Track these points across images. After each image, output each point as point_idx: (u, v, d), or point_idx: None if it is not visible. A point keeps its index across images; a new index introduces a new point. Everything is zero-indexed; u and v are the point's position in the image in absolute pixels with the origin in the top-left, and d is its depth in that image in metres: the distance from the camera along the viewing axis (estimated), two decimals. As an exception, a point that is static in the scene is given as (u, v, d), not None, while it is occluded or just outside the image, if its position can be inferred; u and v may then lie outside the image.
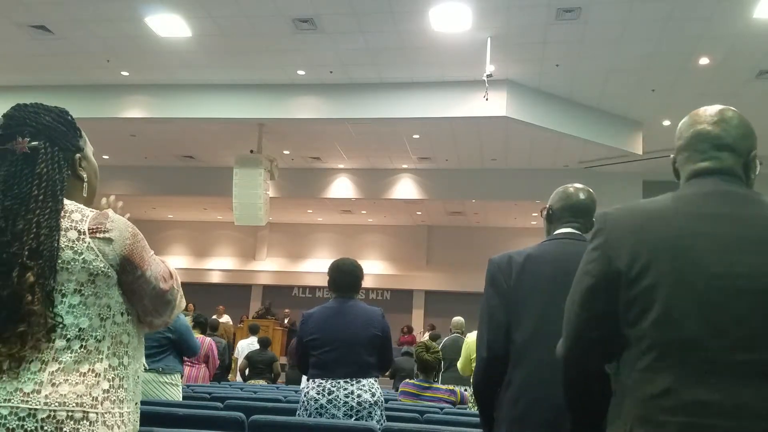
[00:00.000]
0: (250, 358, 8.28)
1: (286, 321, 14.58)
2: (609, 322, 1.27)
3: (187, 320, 4.94)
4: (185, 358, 4.66)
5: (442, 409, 4.06)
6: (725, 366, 1.15)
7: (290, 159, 12.55)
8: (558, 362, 1.83)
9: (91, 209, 1.48)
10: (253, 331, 9.70)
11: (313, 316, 3.22)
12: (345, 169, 13.27)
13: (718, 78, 8.28)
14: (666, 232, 1.25)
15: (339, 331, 3.12)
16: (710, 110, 1.41)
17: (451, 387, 4.73)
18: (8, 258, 1.35)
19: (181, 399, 4.14)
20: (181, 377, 4.44)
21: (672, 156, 1.47)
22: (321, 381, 3.06)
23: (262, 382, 7.84)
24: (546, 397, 1.78)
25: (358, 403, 3.02)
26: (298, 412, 3.12)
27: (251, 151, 10.40)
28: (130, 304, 1.47)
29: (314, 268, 17.47)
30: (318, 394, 3.03)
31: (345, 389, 3.03)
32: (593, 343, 1.33)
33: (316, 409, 3.01)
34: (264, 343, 8.52)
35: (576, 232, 2.03)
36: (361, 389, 3.05)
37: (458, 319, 6.94)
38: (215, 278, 18.20)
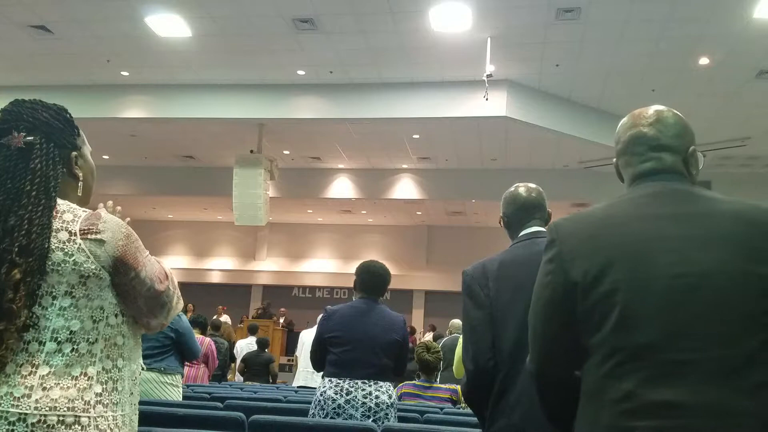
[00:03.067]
0: (246, 360, 8.26)
1: (282, 320, 14.54)
2: (571, 332, 1.27)
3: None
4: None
5: (442, 409, 4.06)
6: (687, 365, 1.13)
7: (290, 159, 12.55)
8: None
9: (84, 209, 1.45)
10: (252, 331, 9.70)
11: (337, 313, 3.19)
12: (345, 169, 13.27)
13: (718, 78, 8.28)
14: (619, 237, 1.25)
15: (361, 332, 3.09)
16: (646, 112, 1.42)
17: (453, 387, 4.73)
18: None
19: (181, 399, 4.14)
20: (182, 378, 4.43)
21: (614, 159, 1.48)
22: (338, 381, 3.04)
23: (262, 383, 7.83)
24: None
25: (376, 405, 3.00)
26: (311, 411, 3.09)
27: (251, 151, 10.40)
28: (125, 305, 1.45)
29: (314, 268, 17.48)
30: (336, 393, 3.00)
31: (363, 390, 3.01)
32: (560, 355, 1.32)
33: (334, 409, 2.98)
34: (262, 344, 8.51)
35: (540, 229, 2.03)
36: (378, 390, 3.04)
37: (456, 321, 6.97)
38: (215, 278, 18.20)
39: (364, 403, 2.98)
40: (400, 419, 3.22)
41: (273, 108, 9.58)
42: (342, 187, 13.36)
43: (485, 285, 1.91)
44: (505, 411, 1.83)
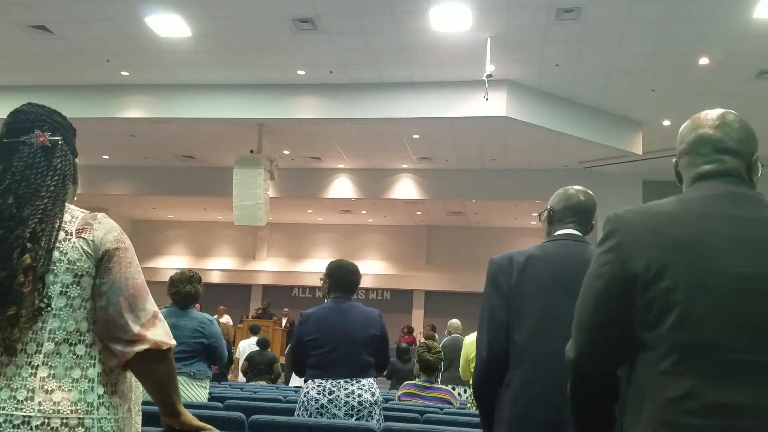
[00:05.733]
0: (251, 359, 8.30)
1: (284, 321, 14.55)
2: (623, 325, 1.26)
3: None
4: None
5: (442, 409, 4.06)
6: (748, 367, 1.14)
7: (290, 159, 12.55)
8: (557, 363, 1.82)
9: (82, 211, 1.48)
10: (253, 331, 9.70)
11: (313, 316, 3.21)
12: (345, 169, 13.27)
13: (718, 78, 8.28)
14: (682, 234, 1.25)
15: (339, 331, 3.11)
16: (712, 114, 1.42)
17: (452, 389, 4.73)
18: (12, 241, 1.36)
19: (206, 400, 4.10)
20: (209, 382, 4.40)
21: (674, 160, 1.47)
22: (321, 381, 3.05)
23: (262, 383, 7.85)
24: (545, 397, 1.78)
25: (359, 403, 3.02)
26: (297, 412, 3.11)
27: (251, 151, 10.40)
28: (97, 315, 1.41)
29: (314, 268, 17.47)
30: (318, 394, 3.02)
31: (345, 389, 3.03)
32: (606, 347, 1.32)
33: (317, 409, 3.00)
34: (263, 343, 8.53)
35: (576, 233, 2.03)
36: (361, 389, 3.05)
37: (455, 321, 7.02)
38: (215, 278, 18.20)
39: (347, 402, 3.00)
40: (400, 419, 3.22)
41: (273, 108, 9.58)
42: (342, 187, 13.37)
43: (509, 275, 1.92)
44: (508, 403, 1.84)
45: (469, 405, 4.56)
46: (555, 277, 1.88)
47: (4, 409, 1.28)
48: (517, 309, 1.88)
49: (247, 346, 9.12)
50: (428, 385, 4.48)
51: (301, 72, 8.98)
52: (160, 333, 1.43)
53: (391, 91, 9.13)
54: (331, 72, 8.90)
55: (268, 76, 9.20)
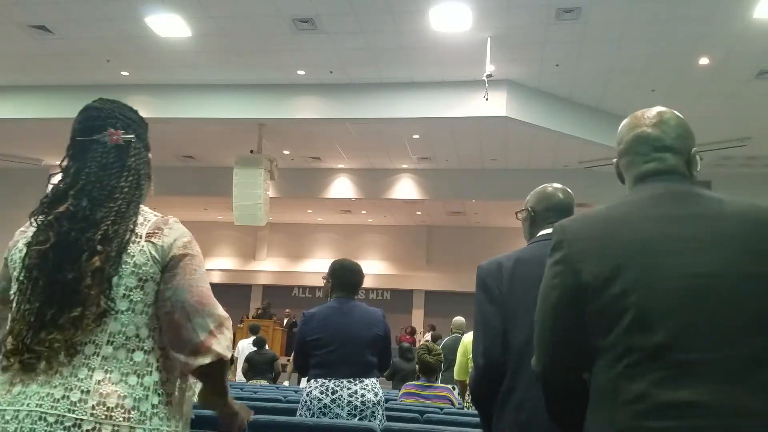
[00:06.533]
0: (250, 359, 8.28)
1: (285, 321, 14.55)
2: (580, 334, 1.26)
3: None
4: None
5: (442, 409, 4.06)
6: (701, 365, 1.14)
7: (290, 159, 12.55)
8: None
9: (155, 214, 1.46)
10: (253, 331, 9.70)
11: (316, 316, 3.20)
12: (345, 169, 13.27)
13: (718, 78, 8.28)
14: (629, 238, 1.25)
15: (342, 331, 3.10)
16: (649, 113, 1.42)
17: (450, 387, 4.73)
18: (82, 243, 1.34)
19: None
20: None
21: (614, 160, 1.47)
22: (324, 380, 3.05)
23: (263, 382, 7.84)
24: None
25: (362, 403, 3.01)
26: (299, 411, 3.11)
27: (251, 151, 10.40)
28: (160, 321, 1.38)
29: (314, 268, 17.47)
30: (321, 393, 3.01)
31: (348, 389, 3.02)
32: (567, 357, 1.32)
33: (320, 408, 2.99)
34: (259, 343, 8.52)
35: None
36: (364, 389, 3.05)
37: (459, 319, 6.91)
38: (215, 278, 18.19)
39: (349, 401, 3.00)
40: (400, 419, 3.22)
41: (273, 108, 9.58)
42: (342, 187, 13.36)
43: (499, 281, 1.90)
44: (513, 408, 1.82)
45: (466, 405, 4.56)
46: (542, 278, 1.88)
47: (56, 408, 1.25)
48: (511, 313, 1.86)
49: (246, 345, 9.12)
50: (427, 384, 4.50)
51: (301, 72, 8.98)
52: (224, 345, 1.39)
53: (391, 91, 9.13)
54: (331, 72, 8.90)
55: (268, 76, 9.20)
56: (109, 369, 1.30)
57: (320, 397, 3.01)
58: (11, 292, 1.40)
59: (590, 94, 9.10)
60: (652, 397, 1.14)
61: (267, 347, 8.67)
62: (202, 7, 7.35)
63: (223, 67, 8.95)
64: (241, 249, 18.57)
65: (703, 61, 7.90)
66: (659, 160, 1.36)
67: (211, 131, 11.08)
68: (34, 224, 1.41)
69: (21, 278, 1.36)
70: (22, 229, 1.48)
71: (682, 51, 7.69)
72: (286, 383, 9.84)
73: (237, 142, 10.88)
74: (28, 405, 1.26)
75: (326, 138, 11.28)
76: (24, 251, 1.39)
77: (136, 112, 1.55)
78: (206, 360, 1.37)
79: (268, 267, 18.41)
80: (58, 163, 1.51)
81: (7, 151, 12.81)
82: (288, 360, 12.68)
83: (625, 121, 1.46)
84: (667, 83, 8.54)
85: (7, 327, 1.36)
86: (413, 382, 4.62)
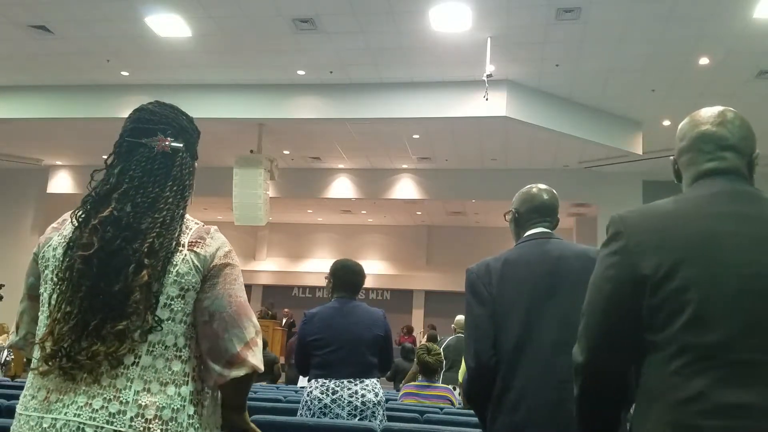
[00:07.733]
0: None
1: (284, 321, 14.53)
2: (632, 327, 1.24)
3: None
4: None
5: (442, 409, 4.06)
6: (760, 367, 1.13)
7: (290, 159, 12.55)
8: (549, 364, 1.82)
9: (196, 222, 1.44)
10: (253, 331, 9.68)
11: (317, 316, 3.20)
12: (345, 169, 13.27)
13: (718, 78, 8.28)
14: (691, 233, 1.22)
15: (343, 331, 3.10)
16: (711, 111, 1.40)
17: (449, 387, 4.73)
18: (127, 254, 1.31)
19: None
20: None
21: (672, 157, 1.46)
22: (324, 381, 3.05)
23: (263, 383, 7.83)
24: (545, 402, 1.78)
25: (362, 403, 3.01)
26: (300, 411, 3.11)
27: (251, 151, 10.40)
28: (198, 329, 1.37)
29: (314, 268, 17.48)
30: (322, 393, 3.02)
31: (349, 389, 3.03)
32: (615, 350, 1.29)
33: (320, 408, 3.00)
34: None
35: (548, 230, 2.03)
36: (364, 389, 3.05)
37: (462, 317, 6.89)
38: (215, 278, 18.21)
39: (350, 402, 3.00)
40: (400, 419, 3.22)
41: (273, 108, 9.58)
42: (342, 187, 13.36)
43: (489, 283, 1.91)
44: (507, 409, 1.83)
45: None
46: (534, 278, 1.89)
47: (95, 420, 1.23)
48: (502, 315, 1.87)
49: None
50: (427, 384, 4.50)
51: (301, 72, 8.98)
52: (258, 357, 1.40)
53: (391, 91, 9.13)
54: (331, 72, 8.90)
55: (268, 76, 9.20)
56: (148, 379, 1.28)
57: (321, 397, 3.01)
58: (42, 290, 1.38)
59: (590, 94, 9.10)
60: (709, 397, 1.13)
61: (267, 350, 8.65)
62: (202, 7, 7.35)
63: (223, 67, 8.95)
64: (241, 249, 18.56)
65: (703, 61, 7.90)
66: (722, 159, 1.34)
67: (210, 131, 11.04)
68: (74, 222, 1.38)
69: (59, 279, 1.33)
70: (54, 225, 1.45)
71: (682, 51, 7.69)
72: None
73: (237, 142, 10.88)
74: (65, 414, 1.24)
75: (326, 138, 11.28)
76: (61, 251, 1.36)
77: (191, 120, 1.52)
78: (241, 372, 1.36)
79: (268, 267, 18.41)
80: (105, 157, 1.49)
81: (7, 151, 12.80)
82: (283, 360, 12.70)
83: (685, 120, 1.44)
84: (667, 83, 8.53)
85: (45, 328, 1.33)
86: (413, 383, 4.62)
